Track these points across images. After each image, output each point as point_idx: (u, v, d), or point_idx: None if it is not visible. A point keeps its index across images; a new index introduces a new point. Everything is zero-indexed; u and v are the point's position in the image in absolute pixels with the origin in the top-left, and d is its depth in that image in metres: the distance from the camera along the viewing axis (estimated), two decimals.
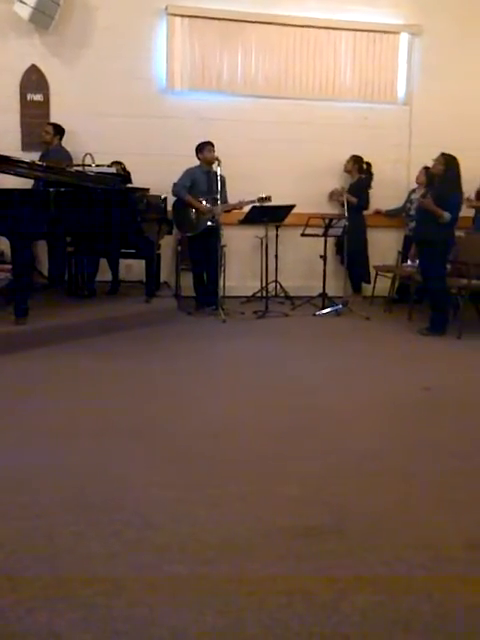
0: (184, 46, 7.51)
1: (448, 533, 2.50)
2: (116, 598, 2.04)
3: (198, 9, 7.40)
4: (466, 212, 6.87)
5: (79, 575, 2.16)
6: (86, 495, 2.72)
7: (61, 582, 2.12)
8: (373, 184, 7.80)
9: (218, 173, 6.44)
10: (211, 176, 6.56)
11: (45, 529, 2.44)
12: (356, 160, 7.74)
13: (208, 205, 6.64)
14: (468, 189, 6.60)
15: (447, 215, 5.76)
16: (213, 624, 1.93)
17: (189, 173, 6.79)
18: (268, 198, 6.67)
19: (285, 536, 2.43)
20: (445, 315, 6.03)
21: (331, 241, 7.29)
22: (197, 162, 6.84)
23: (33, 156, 6.70)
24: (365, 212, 7.78)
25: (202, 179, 6.76)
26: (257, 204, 6.67)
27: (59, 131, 6.96)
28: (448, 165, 5.87)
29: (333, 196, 7.89)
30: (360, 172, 7.75)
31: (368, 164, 7.78)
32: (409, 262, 6.89)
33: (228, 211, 6.86)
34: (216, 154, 6.61)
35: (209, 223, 6.64)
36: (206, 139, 6.81)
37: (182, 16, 7.43)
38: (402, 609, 2.03)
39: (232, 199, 6.85)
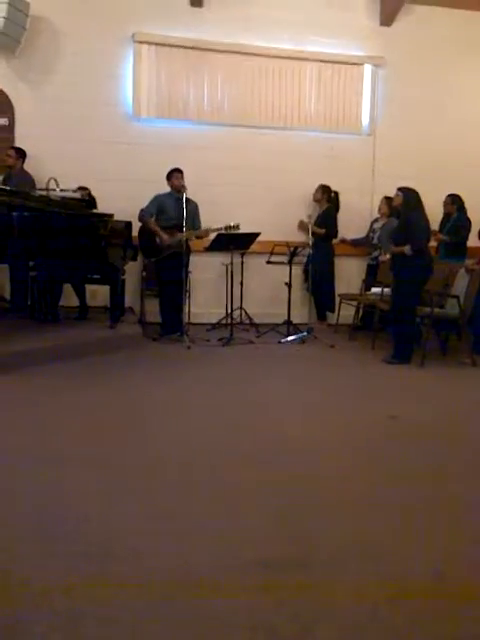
0: (150, 74, 7.56)
1: (414, 564, 2.47)
2: (73, 634, 1.97)
3: (165, 37, 7.47)
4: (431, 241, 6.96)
5: (34, 610, 2.09)
6: (45, 526, 2.64)
7: (16, 617, 2.04)
8: (338, 213, 7.89)
9: (183, 199, 6.43)
10: (180, 202, 6.54)
11: (1, 562, 2.36)
12: (325, 190, 7.83)
13: (169, 233, 6.62)
14: (431, 217, 6.69)
15: (407, 249, 5.84)
16: None
17: (157, 200, 6.79)
18: (236, 226, 6.66)
19: (249, 569, 2.38)
20: (410, 344, 6.06)
21: (297, 268, 7.32)
22: (166, 187, 6.84)
23: None
24: (333, 241, 7.85)
25: (171, 205, 6.75)
26: (223, 232, 6.68)
27: (22, 155, 6.92)
28: (406, 197, 5.97)
29: (301, 227, 7.94)
30: (329, 201, 7.83)
31: (336, 193, 7.87)
32: (376, 289, 6.94)
33: (199, 238, 6.86)
34: (183, 182, 6.62)
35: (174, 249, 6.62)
36: (173, 166, 6.81)
37: (149, 43, 7.49)
38: None
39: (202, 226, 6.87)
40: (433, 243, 7.40)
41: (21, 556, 2.40)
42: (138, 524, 2.71)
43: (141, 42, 7.46)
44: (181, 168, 6.80)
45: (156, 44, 7.51)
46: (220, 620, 2.07)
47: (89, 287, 7.07)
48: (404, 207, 6.02)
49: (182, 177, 6.71)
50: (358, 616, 2.13)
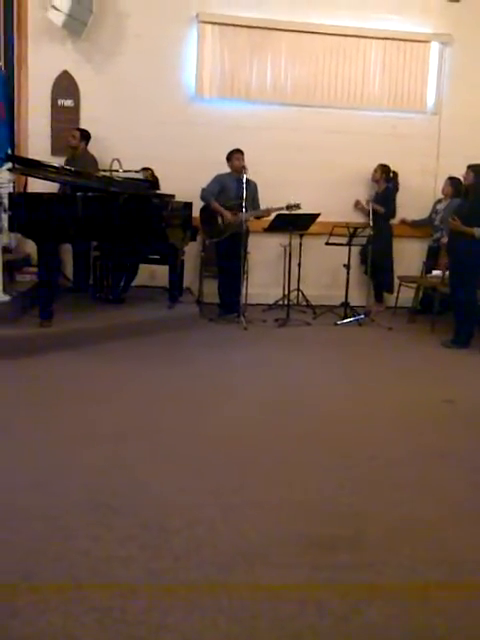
0: (214, 54, 7.55)
1: (465, 547, 2.49)
2: (131, 602, 2.06)
3: (228, 17, 7.43)
4: None
5: (94, 578, 2.18)
6: (104, 499, 2.74)
7: (76, 585, 2.15)
8: (400, 194, 7.77)
9: (244, 180, 6.45)
10: (241, 183, 6.56)
11: (62, 532, 2.47)
12: (384, 169, 7.71)
13: (232, 213, 6.65)
14: None
15: (478, 232, 5.71)
16: (226, 631, 1.94)
17: (218, 179, 6.82)
18: (297, 205, 6.65)
19: (300, 545, 2.44)
20: (471, 328, 5.96)
21: (356, 250, 7.26)
22: (226, 168, 6.87)
23: (61, 161, 6.80)
24: (392, 221, 7.75)
25: (232, 186, 6.77)
26: (285, 211, 6.68)
27: (85, 136, 7.00)
28: (477, 175, 5.83)
29: (357, 206, 7.88)
30: (387, 181, 7.73)
31: (394, 173, 7.76)
32: (437, 272, 6.83)
33: (259, 218, 6.86)
34: (244, 162, 6.64)
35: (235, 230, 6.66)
36: (235, 147, 6.84)
37: (213, 24, 7.47)
38: (416, 623, 2.02)
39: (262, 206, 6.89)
40: None
41: (81, 527, 2.51)
42: (193, 498, 2.79)
43: (205, 22, 7.44)
44: (242, 149, 6.80)
45: (219, 24, 7.48)
46: (271, 593, 2.13)
47: (149, 267, 7.16)
48: (475, 187, 5.87)
49: (243, 158, 6.73)
50: (408, 597, 2.16)
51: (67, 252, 7.26)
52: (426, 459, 3.37)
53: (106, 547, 2.37)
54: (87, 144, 7.02)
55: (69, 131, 7.04)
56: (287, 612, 2.04)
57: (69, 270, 7.33)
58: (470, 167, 5.90)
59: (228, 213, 6.68)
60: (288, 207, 6.65)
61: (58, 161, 6.61)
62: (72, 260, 7.25)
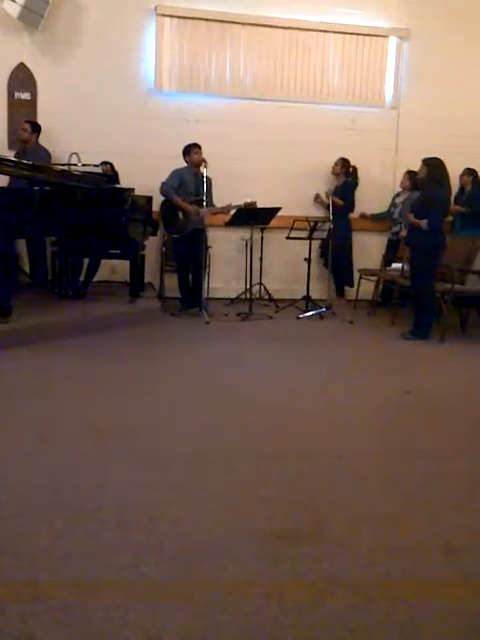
0: (173, 47, 7.50)
1: (425, 536, 2.51)
2: (91, 599, 2.03)
3: (187, 10, 7.40)
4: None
5: (55, 576, 2.15)
6: (64, 495, 2.71)
7: (36, 583, 2.11)
8: (359, 187, 7.84)
9: (204, 175, 6.43)
10: (199, 178, 6.54)
11: (21, 529, 2.43)
12: (344, 163, 7.77)
13: (195, 207, 6.62)
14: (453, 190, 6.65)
15: (424, 224, 5.80)
16: (188, 626, 1.93)
17: (177, 173, 6.77)
18: (253, 203, 6.67)
19: (262, 538, 2.44)
20: (429, 319, 6.05)
21: (315, 244, 7.29)
22: (185, 163, 6.83)
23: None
24: (351, 215, 7.81)
25: (190, 180, 6.74)
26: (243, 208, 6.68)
27: (36, 129, 6.88)
28: (430, 168, 5.92)
29: (317, 199, 7.92)
30: (346, 175, 7.78)
31: (354, 168, 7.81)
32: (397, 265, 6.90)
33: (215, 214, 6.85)
34: (203, 156, 6.62)
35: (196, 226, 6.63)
36: (193, 141, 6.80)
37: (171, 16, 7.43)
38: (378, 613, 2.03)
39: (219, 201, 6.85)
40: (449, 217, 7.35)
41: (41, 524, 2.47)
42: (154, 493, 2.77)
43: (163, 15, 7.39)
44: (199, 143, 6.76)
45: (178, 17, 7.44)
46: (233, 588, 2.13)
47: (109, 262, 7.10)
48: (428, 180, 5.96)
49: (201, 151, 6.69)
50: (370, 587, 2.17)
51: (22, 248, 7.14)
52: (386, 450, 3.40)
53: (66, 544, 2.34)
54: (38, 136, 6.90)
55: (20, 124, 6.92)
56: (249, 606, 2.03)
57: (27, 266, 7.22)
58: (424, 161, 5.99)
59: (192, 207, 6.64)
60: (246, 205, 6.66)
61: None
62: (27, 256, 7.13)
